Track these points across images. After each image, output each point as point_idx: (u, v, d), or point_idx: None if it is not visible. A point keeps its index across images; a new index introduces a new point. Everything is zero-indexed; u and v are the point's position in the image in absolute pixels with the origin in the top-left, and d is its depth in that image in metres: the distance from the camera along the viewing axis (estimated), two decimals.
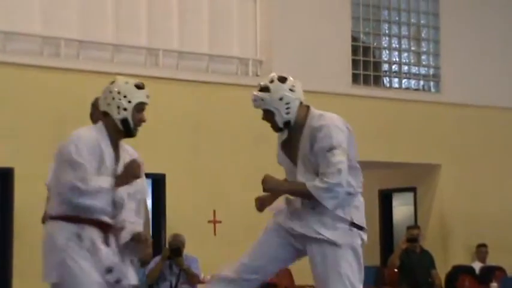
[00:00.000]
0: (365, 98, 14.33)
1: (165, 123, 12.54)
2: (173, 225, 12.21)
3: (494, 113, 15.12)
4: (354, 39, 14.50)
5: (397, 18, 14.90)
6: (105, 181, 5.19)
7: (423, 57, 15.17)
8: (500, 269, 13.79)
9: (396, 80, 15.15)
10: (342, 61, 14.19)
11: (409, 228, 13.30)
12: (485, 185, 14.92)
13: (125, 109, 5.25)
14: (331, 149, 5.23)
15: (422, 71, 15.26)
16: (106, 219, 5.20)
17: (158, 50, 12.59)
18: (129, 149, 6.85)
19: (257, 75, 13.62)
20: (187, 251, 11.27)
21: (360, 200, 5.56)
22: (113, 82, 5.40)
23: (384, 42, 15.03)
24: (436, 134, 14.80)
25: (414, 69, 15.28)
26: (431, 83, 15.18)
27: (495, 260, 14.06)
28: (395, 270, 12.79)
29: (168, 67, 12.95)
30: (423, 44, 15.17)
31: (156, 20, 12.86)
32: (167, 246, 11.39)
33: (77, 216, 5.10)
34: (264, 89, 5.37)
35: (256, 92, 5.41)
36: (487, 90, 15.10)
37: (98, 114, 6.59)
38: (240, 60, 13.44)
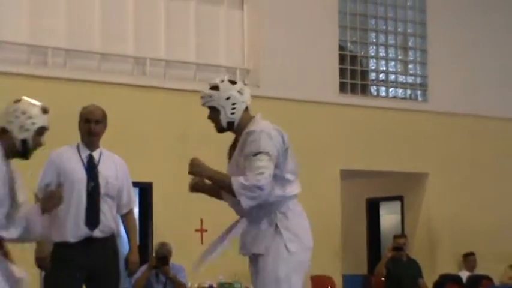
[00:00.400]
0: (352, 107, 14.43)
1: (152, 132, 12.65)
2: (160, 233, 12.24)
3: (481, 122, 15.22)
4: (341, 48, 14.60)
5: (384, 27, 15.00)
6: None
7: (410, 66, 15.28)
8: (487, 278, 13.89)
9: (383, 88, 15.29)
10: (329, 70, 14.29)
11: (395, 237, 13.48)
12: (472, 194, 15.01)
13: (27, 130, 5.31)
14: (257, 153, 5.30)
15: (410, 79, 15.37)
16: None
17: (145, 58, 12.67)
18: (115, 158, 7.07)
19: (244, 85, 13.62)
20: (174, 259, 11.28)
21: (288, 207, 5.49)
22: (18, 101, 5.44)
23: (371, 51, 15.13)
24: (423, 142, 14.91)
25: (401, 78, 15.39)
26: (419, 92, 15.32)
27: (483, 269, 14.15)
28: (382, 278, 12.83)
29: (155, 76, 13.02)
30: (410, 52, 15.28)
31: (143, 29, 12.96)
32: (154, 254, 11.37)
33: None
34: (214, 87, 5.49)
35: (205, 90, 5.52)
36: (474, 99, 15.20)
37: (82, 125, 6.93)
38: (227, 69, 13.49)
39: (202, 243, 12.54)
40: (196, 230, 12.76)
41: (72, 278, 6.88)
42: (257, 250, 5.38)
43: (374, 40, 15.07)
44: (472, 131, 15.02)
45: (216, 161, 14.39)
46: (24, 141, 5.33)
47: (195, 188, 5.65)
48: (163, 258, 11.15)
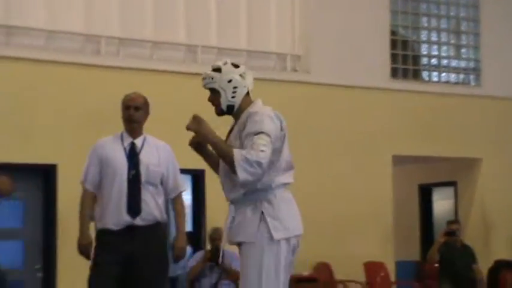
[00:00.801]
0: (404, 92, 14.43)
1: (205, 119, 12.72)
2: (213, 220, 12.27)
3: None
4: (393, 33, 14.65)
5: (436, 11, 15.00)
6: None
7: (463, 50, 15.28)
8: None
9: (435, 73, 15.30)
10: (380, 55, 14.32)
11: (448, 222, 13.36)
12: None
13: None
14: (259, 133, 5.28)
15: (462, 64, 15.33)
16: None
17: (197, 46, 12.83)
18: (159, 144, 7.13)
19: (295, 71, 13.84)
20: (228, 247, 11.40)
21: (275, 195, 5.44)
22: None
23: (423, 35, 15.16)
24: (476, 127, 14.90)
25: (454, 63, 15.37)
26: (471, 76, 15.32)
27: None
28: (436, 264, 12.89)
29: (207, 63, 12.98)
30: (463, 37, 15.25)
31: (194, 17, 13.16)
32: (208, 240, 11.51)
33: None
34: (216, 69, 5.51)
35: (207, 71, 5.55)
36: None
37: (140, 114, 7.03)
38: (277, 55, 13.54)
39: None
40: None
41: (112, 265, 6.92)
42: (242, 238, 5.37)
43: (426, 24, 15.08)
44: None
45: None
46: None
47: (194, 145, 5.59)
48: (216, 251, 11.12)
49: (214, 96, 5.45)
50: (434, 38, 15.17)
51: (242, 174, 5.19)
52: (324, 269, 13.58)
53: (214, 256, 11.14)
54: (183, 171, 12.71)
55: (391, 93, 14.37)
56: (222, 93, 5.42)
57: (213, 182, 12.95)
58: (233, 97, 5.43)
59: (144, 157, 6.94)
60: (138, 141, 7.06)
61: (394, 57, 14.60)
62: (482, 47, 15.37)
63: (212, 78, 5.45)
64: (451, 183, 15.93)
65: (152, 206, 6.95)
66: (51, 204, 12.14)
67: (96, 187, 7.11)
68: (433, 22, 15.08)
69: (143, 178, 6.89)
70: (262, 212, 5.32)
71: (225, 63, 5.51)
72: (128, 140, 7.03)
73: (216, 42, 13.38)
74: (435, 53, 15.23)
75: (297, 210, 5.53)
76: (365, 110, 14.28)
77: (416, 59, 14.98)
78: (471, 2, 15.23)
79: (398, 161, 14.55)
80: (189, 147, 5.48)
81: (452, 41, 15.35)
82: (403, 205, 15.83)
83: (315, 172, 13.82)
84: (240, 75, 5.49)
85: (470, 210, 15.41)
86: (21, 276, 12.17)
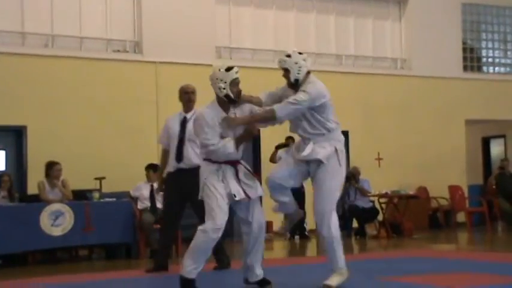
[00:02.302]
0: (473, 80, 16.44)
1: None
2: (354, 162, 14.25)
3: None
4: (464, 42, 16.40)
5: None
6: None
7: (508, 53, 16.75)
8: None
9: (491, 68, 16.93)
10: (453, 51, 16.26)
11: (501, 160, 15.97)
12: None
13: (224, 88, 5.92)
14: (303, 91, 5.91)
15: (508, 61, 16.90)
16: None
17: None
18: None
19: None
20: (362, 176, 13.80)
21: (342, 138, 6.07)
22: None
23: (483, 43, 16.78)
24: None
25: (503, 60, 16.98)
26: None
27: None
28: (494, 187, 15.35)
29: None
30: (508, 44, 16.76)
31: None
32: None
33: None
34: (288, 55, 6.06)
35: (282, 57, 6.05)
36: None
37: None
38: (392, 59, 15.80)
39: (379, 166, 15.22)
40: (375, 159, 15.29)
41: (176, 193, 7.79)
42: (322, 156, 5.90)
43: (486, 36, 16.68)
44: None
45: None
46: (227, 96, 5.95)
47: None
48: (353, 175, 13.45)
49: (286, 73, 6.02)
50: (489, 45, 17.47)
51: (282, 112, 5.83)
52: (423, 190, 15.59)
53: (353, 179, 13.20)
54: None
55: (464, 80, 16.50)
56: (291, 71, 5.99)
57: (354, 139, 14.55)
58: (298, 73, 5.99)
59: (190, 125, 7.60)
60: (189, 115, 7.92)
61: (465, 58, 16.82)
62: None
63: (285, 61, 6.03)
64: (502, 136, 18.04)
65: (192, 155, 7.77)
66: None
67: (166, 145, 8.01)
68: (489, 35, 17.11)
69: (186, 137, 7.78)
70: (336, 147, 6.00)
71: (293, 51, 6.08)
72: (182, 115, 7.98)
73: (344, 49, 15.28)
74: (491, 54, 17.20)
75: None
76: (449, 93, 16.22)
77: (479, 59, 17.09)
78: None
79: (468, 122, 16.71)
80: None
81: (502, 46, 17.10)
82: (472, 149, 17.60)
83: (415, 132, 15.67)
84: (303, 59, 6.05)
85: None
86: None
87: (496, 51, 17.58)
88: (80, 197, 10.54)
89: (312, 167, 5.97)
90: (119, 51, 13.54)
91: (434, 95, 16.20)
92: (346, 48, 15.73)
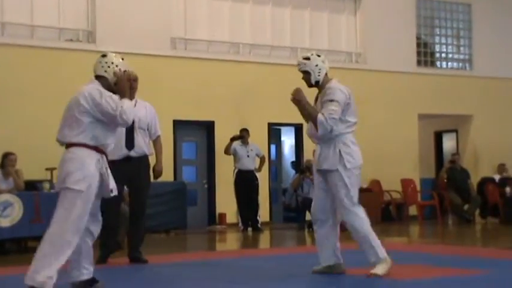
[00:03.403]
0: (426, 75, 16.53)
1: None
2: (309, 155, 13.67)
3: None
4: (417, 37, 16.53)
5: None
6: None
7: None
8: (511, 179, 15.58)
9: (444, 63, 17.12)
10: (408, 47, 16.40)
11: (452, 154, 16.10)
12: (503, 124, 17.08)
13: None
14: (331, 100, 5.99)
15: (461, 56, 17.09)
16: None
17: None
18: (146, 104, 7.68)
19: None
20: None
21: (348, 139, 6.12)
22: (104, 56, 5.80)
23: (437, 39, 16.84)
24: (468, 96, 17.03)
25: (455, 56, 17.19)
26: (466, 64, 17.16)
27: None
28: (445, 180, 15.38)
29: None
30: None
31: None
32: (304, 165, 13.74)
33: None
34: (306, 58, 6.20)
35: (300, 59, 6.20)
36: None
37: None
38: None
39: None
40: None
41: (123, 181, 7.39)
42: (327, 166, 6.06)
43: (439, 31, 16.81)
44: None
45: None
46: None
47: (295, 102, 6.12)
48: (307, 167, 13.07)
49: (306, 76, 6.15)
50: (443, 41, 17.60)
51: (320, 131, 5.96)
52: (376, 183, 15.84)
53: (308, 172, 13.16)
54: (288, 125, 15.02)
55: (418, 75, 16.69)
56: (312, 73, 6.12)
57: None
58: (318, 75, 6.12)
59: (137, 112, 7.30)
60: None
61: (419, 50, 16.99)
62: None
63: (305, 64, 6.15)
64: (454, 130, 18.13)
65: (142, 143, 7.65)
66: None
67: None
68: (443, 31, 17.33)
69: (136, 125, 7.49)
70: (340, 150, 6.07)
71: (312, 54, 6.21)
72: None
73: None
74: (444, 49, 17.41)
75: (358, 149, 6.22)
76: (402, 86, 16.32)
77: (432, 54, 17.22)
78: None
79: (421, 116, 16.92)
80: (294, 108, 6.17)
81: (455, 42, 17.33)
82: (425, 144, 17.72)
83: (373, 124, 15.30)
84: (322, 61, 6.18)
85: (466, 147, 17.61)
86: (195, 186, 14.49)
87: (449, 47, 17.83)
88: (30, 187, 10.34)
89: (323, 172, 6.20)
90: (71, 40, 13.33)
91: (388, 89, 16.34)
92: (302, 41, 15.73)
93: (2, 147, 10.68)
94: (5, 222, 9.53)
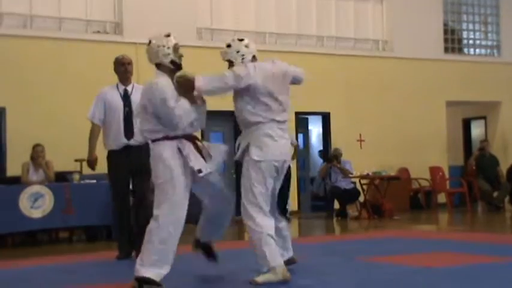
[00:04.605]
0: (454, 62, 16.42)
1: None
2: (336, 143, 14.78)
3: None
4: (445, 24, 16.39)
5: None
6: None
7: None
8: None
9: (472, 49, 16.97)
10: (435, 33, 16.25)
11: (481, 141, 16.03)
12: None
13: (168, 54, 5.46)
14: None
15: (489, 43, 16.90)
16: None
17: None
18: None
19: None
20: (344, 157, 13.91)
21: (260, 129, 5.51)
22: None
23: (464, 25, 16.72)
24: (495, 82, 16.82)
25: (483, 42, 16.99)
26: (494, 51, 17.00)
27: None
28: (474, 168, 15.49)
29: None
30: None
31: None
32: (332, 153, 13.79)
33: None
34: (227, 45, 5.67)
35: (224, 47, 5.64)
36: None
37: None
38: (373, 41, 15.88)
39: (361, 148, 15.30)
40: (357, 140, 15.36)
41: (125, 172, 7.33)
42: (239, 158, 5.65)
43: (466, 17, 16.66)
44: None
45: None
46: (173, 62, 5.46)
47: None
48: (335, 156, 13.57)
49: (230, 65, 5.61)
50: (470, 27, 17.39)
51: (203, 84, 5.34)
52: (404, 171, 15.72)
53: (332, 159, 13.51)
54: (316, 113, 15.17)
55: (445, 62, 16.59)
56: (234, 61, 5.59)
57: (336, 124, 14.88)
58: (242, 62, 5.55)
59: (134, 98, 7.10)
60: (129, 88, 7.46)
61: (446, 35, 16.91)
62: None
63: (226, 53, 5.65)
64: (482, 117, 18.04)
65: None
66: None
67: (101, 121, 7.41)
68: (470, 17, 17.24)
69: (134, 112, 7.14)
70: (249, 142, 5.55)
71: (233, 40, 5.66)
72: (121, 88, 7.43)
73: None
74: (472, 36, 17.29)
75: (279, 143, 5.53)
76: (430, 74, 16.30)
77: (460, 40, 17.11)
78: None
79: (449, 104, 16.81)
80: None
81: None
82: (453, 131, 17.72)
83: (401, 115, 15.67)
84: (245, 46, 5.63)
85: (494, 134, 17.49)
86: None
87: (477, 33, 17.71)
88: (60, 178, 10.43)
89: None
90: (99, 32, 13.42)
91: (416, 76, 16.30)
92: (328, 29, 15.73)
93: (31, 140, 10.78)
94: (37, 214, 9.63)
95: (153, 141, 5.31)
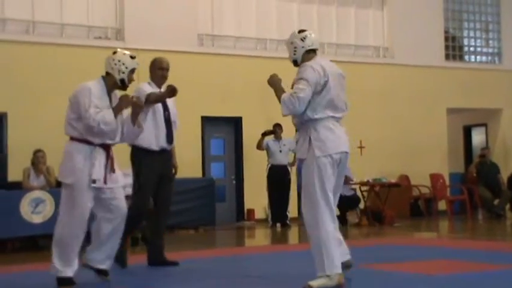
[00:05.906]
0: (454, 69, 16.43)
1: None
2: None
3: None
4: (446, 31, 16.38)
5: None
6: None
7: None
8: None
9: (472, 56, 16.93)
10: (436, 40, 16.25)
11: (481, 149, 16.07)
12: None
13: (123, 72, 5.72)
14: (300, 79, 5.50)
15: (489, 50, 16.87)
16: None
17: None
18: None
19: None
20: None
21: (320, 125, 5.47)
22: (114, 53, 5.82)
23: (465, 33, 16.73)
24: (496, 90, 16.88)
25: (484, 49, 16.98)
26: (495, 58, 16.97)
27: None
28: (474, 174, 15.36)
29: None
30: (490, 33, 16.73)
31: None
32: None
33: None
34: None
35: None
36: None
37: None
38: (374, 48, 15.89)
39: (361, 155, 15.05)
40: (358, 147, 15.09)
41: (157, 174, 7.23)
42: (300, 155, 5.58)
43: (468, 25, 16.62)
44: None
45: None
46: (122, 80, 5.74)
47: (270, 83, 5.74)
48: None
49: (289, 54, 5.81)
50: (471, 34, 17.45)
51: (283, 109, 5.46)
52: (404, 178, 15.69)
53: None
54: None
55: (446, 69, 16.59)
56: (288, 52, 5.80)
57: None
58: (294, 54, 5.71)
59: (169, 103, 7.24)
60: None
61: (447, 47, 16.95)
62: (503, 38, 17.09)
63: (285, 43, 5.89)
64: (483, 124, 18.02)
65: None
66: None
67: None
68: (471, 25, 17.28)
69: (172, 118, 7.28)
70: (310, 138, 5.46)
71: (294, 31, 5.79)
72: (156, 90, 7.22)
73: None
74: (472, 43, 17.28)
75: (338, 134, 5.50)
76: (431, 81, 16.26)
77: (461, 47, 17.12)
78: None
79: (450, 111, 16.81)
80: None
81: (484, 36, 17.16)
82: (454, 138, 17.74)
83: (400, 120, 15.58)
84: (301, 39, 5.68)
85: (495, 141, 17.45)
86: (223, 183, 14.47)
87: (478, 40, 17.75)
88: (61, 184, 10.36)
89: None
90: (100, 38, 13.46)
91: (416, 83, 16.33)
92: (329, 36, 15.77)
93: (32, 145, 10.80)
94: (37, 219, 9.66)
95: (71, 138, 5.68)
